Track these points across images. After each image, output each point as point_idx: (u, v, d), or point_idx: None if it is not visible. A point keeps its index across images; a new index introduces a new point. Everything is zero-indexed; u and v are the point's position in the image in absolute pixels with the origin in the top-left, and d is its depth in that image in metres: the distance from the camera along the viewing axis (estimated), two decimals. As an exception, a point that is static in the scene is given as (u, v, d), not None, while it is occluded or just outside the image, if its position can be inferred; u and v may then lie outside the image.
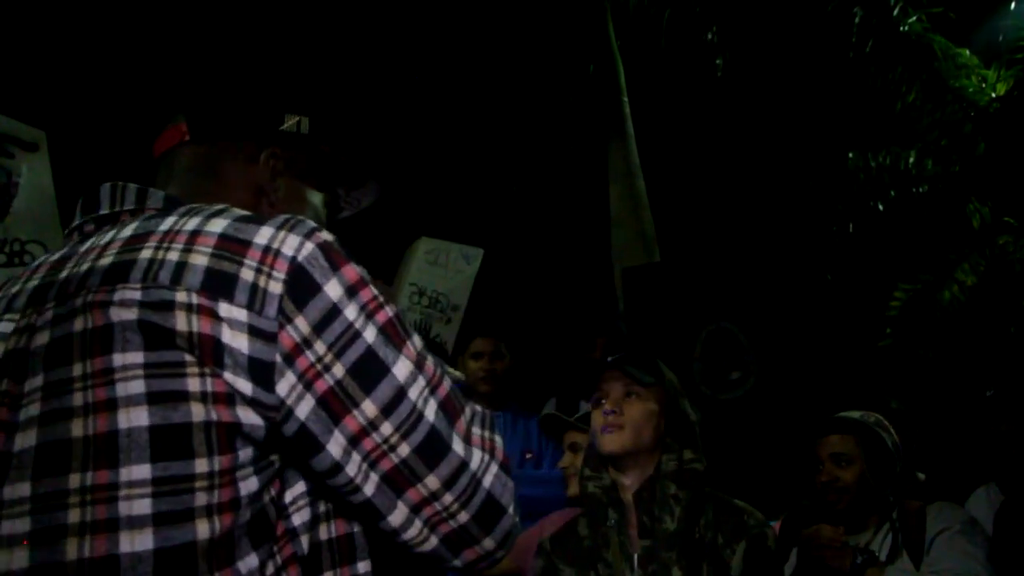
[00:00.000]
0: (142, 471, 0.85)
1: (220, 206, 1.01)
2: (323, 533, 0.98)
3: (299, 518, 0.96)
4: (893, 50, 7.60)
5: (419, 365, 0.98)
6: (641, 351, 2.34)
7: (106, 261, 0.94)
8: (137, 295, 0.89)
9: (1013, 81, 7.50)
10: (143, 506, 0.85)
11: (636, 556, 2.07)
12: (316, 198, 1.21)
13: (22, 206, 3.00)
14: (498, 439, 1.04)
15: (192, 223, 0.96)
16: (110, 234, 1.00)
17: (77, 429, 0.86)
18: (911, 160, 7.83)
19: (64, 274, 0.96)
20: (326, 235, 0.97)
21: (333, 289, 0.94)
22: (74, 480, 0.85)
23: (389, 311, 0.98)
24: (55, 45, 7.07)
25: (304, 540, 0.95)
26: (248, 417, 0.90)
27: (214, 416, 0.88)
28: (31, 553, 0.85)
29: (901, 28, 7.57)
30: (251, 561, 0.90)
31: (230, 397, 0.89)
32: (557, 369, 4.00)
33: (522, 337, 3.90)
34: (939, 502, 2.55)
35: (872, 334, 7.52)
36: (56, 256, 1.03)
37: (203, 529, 0.86)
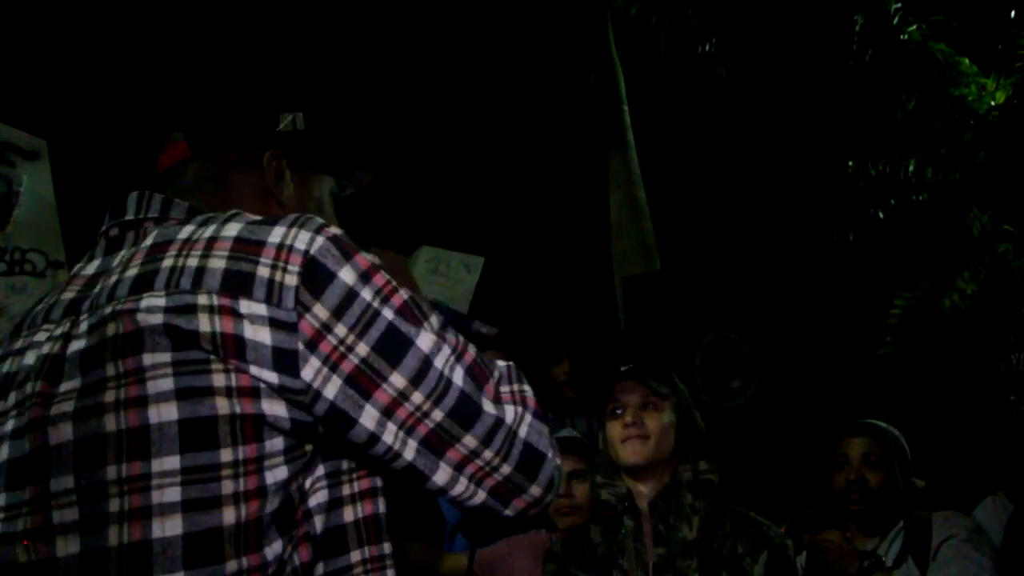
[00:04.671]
0: (172, 462, 0.91)
1: (233, 211, 1.06)
2: (349, 515, 1.04)
3: (315, 500, 1.01)
4: (893, 58, 7.61)
5: (441, 337, 1.03)
6: (655, 361, 2.35)
7: (132, 272, 1.00)
8: (162, 301, 0.95)
9: (1012, 89, 7.51)
10: (173, 494, 0.90)
11: (651, 564, 2.09)
12: (323, 188, 1.27)
13: (23, 215, 3.00)
14: (527, 388, 1.10)
15: (209, 231, 1.01)
16: (132, 245, 1.06)
17: (111, 424, 0.92)
18: (911, 168, 7.84)
19: (97, 288, 1.03)
20: (335, 229, 1.02)
21: (347, 275, 0.99)
22: (111, 472, 0.91)
23: (404, 294, 1.03)
24: (56, 54, 7.08)
25: (318, 521, 1.01)
26: (273, 408, 0.95)
27: (239, 409, 0.93)
28: (82, 540, 0.91)
29: (901, 36, 7.58)
30: (277, 546, 0.95)
31: (255, 391, 0.94)
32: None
33: (524, 345, 3.88)
34: (945, 511, 2.56)
35: (872, 342, 7.51)
36: (91, 269, 1.09)
37: (229, 515, 0.92)
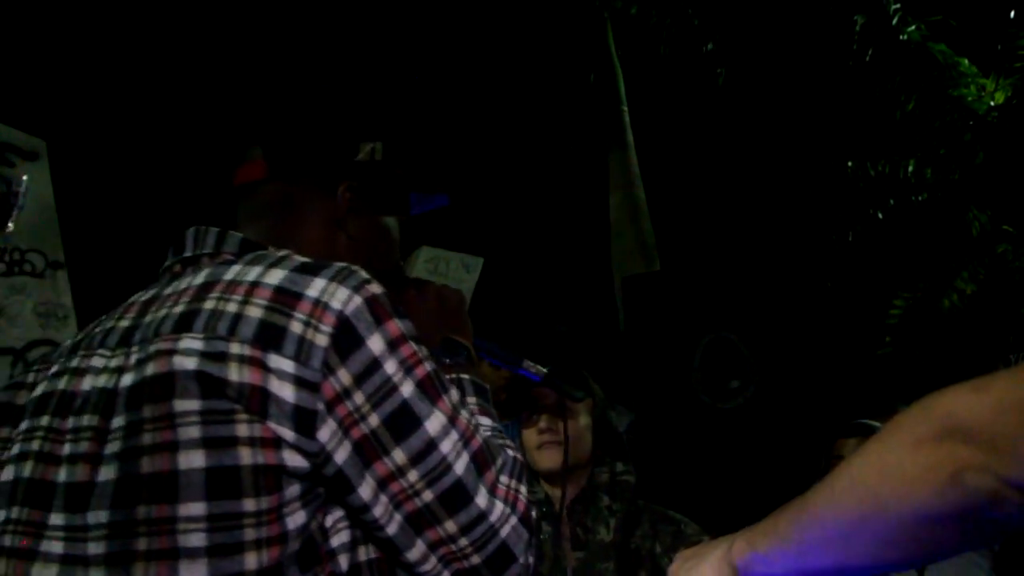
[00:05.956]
0: (198, 508, 0.95)
1: (283, 253, 1.10)
2: (362, 554, 1.05)
3: (337, 540, 1.03)
4: (893, 59, 7.61)
5: (453, 419, 1.05)
6: (569, 365, 2.35)
7: (178, 309, 1.04)
8: (199, 345, 0.98)
9: (1012, 90, 7.51)
10: (199, 539, 0.94)
11: (570, 568, 2.09)
12: (391, 221, 1.30)
13: (22, 215, 3.00)
14: (523, 489, 1.12)
15: (253, 273, 1.04)
16: (187, 280, 1.09)
17: (146, 466, 0.96)
18: (910, 168, 7.84)
19: (148, 318, 1.07)
20: (375, 288, 1.04)
21: (375, 343, 1.01)
22: (141, 512, 0.95)
23: (427, 366, 1.05)
24: (55, 53, 7.08)
25: (343, 559, 1.03)
26: (293, 459, 0.97)
27: (261, 460, 0.96)
28: (107, 572, 0.96)
29: (901, 37, 7.58)
30: None
31: (276, 442, 0.96)
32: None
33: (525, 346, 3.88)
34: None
35: (872, 342, 7.51)
36: (147, 296, 1.13)
37: (251, 560, 0.95)
